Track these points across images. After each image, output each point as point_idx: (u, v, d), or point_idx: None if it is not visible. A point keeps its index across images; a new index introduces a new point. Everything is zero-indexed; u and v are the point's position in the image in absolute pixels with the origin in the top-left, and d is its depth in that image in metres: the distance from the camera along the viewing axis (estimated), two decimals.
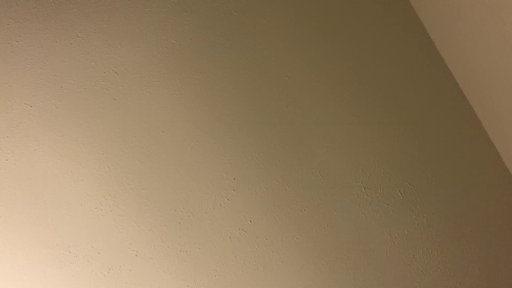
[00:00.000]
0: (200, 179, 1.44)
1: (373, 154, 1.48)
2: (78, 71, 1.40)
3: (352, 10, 1.49)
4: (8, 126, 1.38)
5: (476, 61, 1.38)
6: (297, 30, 1.47)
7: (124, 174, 1.42)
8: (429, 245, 1.50)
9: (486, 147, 1.50)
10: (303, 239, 1.48)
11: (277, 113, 1.46)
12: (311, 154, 1.47)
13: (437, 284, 1.50)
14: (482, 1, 1.20)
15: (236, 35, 1.45)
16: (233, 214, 1.46)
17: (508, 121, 1.39)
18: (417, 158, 1.49)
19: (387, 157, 1.49)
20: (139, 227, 1.43)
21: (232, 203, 1.46)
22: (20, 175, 1.39)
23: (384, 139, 1.49)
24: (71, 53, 1.40)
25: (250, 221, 1.47)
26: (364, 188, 1.48)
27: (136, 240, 1.44)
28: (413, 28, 1.50)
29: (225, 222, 1.46)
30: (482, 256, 1.51)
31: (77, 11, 1.41)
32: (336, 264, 1.49)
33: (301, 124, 1.47)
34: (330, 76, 1.48)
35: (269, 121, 1.46)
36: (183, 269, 1.45)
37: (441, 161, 1.50)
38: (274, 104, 1.46)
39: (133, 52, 1.42)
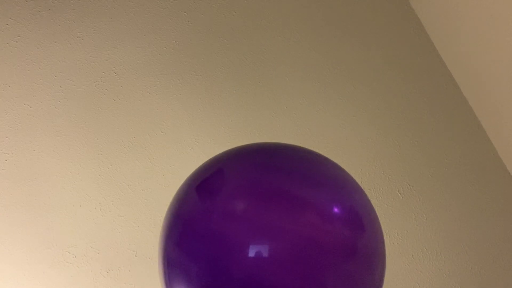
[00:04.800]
0: None
1: (373, 154, 1.48)
2: (77, 71, 1.40)
3: (351, 10, 1.49)
4: (8, 126, 1.38)
5: (476, 62, 1.38)
6: (297, 30, 1.47)
7: (124, 175, 1.42)
8: (429, 245, 1.50)
9: (485, 147, 1.50)
10: None
11: (276, 113, 1.46)
12: None
13: (436, 284, 1.50)
14: (482, 0, 1.20)
15: (236, 35, 1.45)
16: None
17: (507, 121, 1.39)
18: (417, 159, 1.49)
19: (387, 158, 1.49)
20: (138, 228, 1.43)
21: None
22: (20, 175, 1.38)
23: (384, 139, 1.49)
24: (70, 53, 1.40)
25: None
26: (364, 188, 1.48)
27: (135, 241, 1.43)
28: (412, 28, 1.50)
29: None
30: (482, 256, 1.51)
31: (76, 11, 1.41)
32: None
33: (301, 124, 1.47)
34: (330, 76, 1.48)
35: (269, 121, 1.46)
36: None
37: (440, 161, 1.50)
38: (274, 104, 1.46)
39: (133, 52, 1.42)
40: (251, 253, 0.57)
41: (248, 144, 0.75)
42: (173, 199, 0.71)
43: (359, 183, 1.47)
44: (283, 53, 1.47)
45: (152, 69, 1.43)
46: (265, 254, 0.57)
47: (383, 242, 0.70)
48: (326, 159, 0.73)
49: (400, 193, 1.49)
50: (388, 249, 1.49)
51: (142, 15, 1.43)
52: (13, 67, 1.38)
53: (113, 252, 1.42)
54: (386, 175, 1.49)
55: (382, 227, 1.49)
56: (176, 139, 1.43)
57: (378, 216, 1.50)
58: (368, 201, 0.72)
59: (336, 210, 0.63)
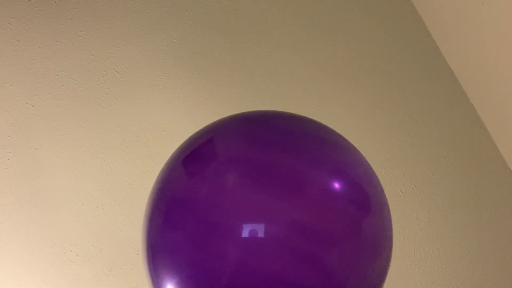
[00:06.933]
0: None
1: (374, 154, 1.48)
2: (79, 70, 1.41)
3: (352, 9, 1.48)
4: (10, 126, 1.38)
5: (478, 60, 1.37)
6: (297, 29, 1.47)
7: (125, 173, 1.42)
8: (431, 245, 1.50)
9: (487, 146, 1.50)
10: None
11: None
12: None
13: (438, 283, 1.50)
14: (483, 0, 1.19)
15: (237, 35, 1.45)
16: None
17: (509, 120, 1.38)
18: (419, 158, 1.49)
19: (388, 157, 1.48)
20: (140, 226, 1.43)
21: None
22: (21, 174, 1.39)
23: (385, 139, 1.48)
24: (72, 52, 1.40)
25: None
26: None
27: (137, 239, 1.43)
28: (414, 27, 1.49)
29: None
30: (484, 256, 1.50)
31: (78, 10, 1.41)
32: None
33: None
34: (331, 76, 1.47)
35: None
36: None
37: (442, 160, 1.49)
38: (274, 103, 1.46)
39: (134, 51, 1.42)
40: (244, 233, 0.50)
41: (242, 113, 0.65)
42: (157, 178, 0.62)
43: None
44: (284, 52, 1.46)
45: (153, 68, 1.43)
46: (258, 234, 0.49)
47: (390, 224, 0.59)
48: (326, 129, 0.62)
49: (402, 192, 1.49)
50: None
51: (143, 14, 1.43)
52: (15, 67, 1.38)
53: (115, 250, 1.42)
54: (388, 174, 1.49)
55: None
56: (177, 138, 1.43)
57: None
58: (375, 177, 0.60)
59: (337, 186, 0.54)
